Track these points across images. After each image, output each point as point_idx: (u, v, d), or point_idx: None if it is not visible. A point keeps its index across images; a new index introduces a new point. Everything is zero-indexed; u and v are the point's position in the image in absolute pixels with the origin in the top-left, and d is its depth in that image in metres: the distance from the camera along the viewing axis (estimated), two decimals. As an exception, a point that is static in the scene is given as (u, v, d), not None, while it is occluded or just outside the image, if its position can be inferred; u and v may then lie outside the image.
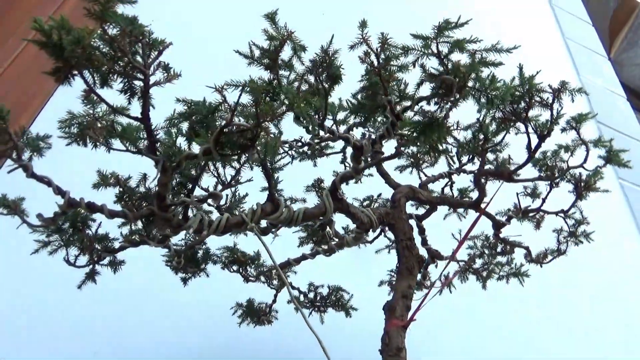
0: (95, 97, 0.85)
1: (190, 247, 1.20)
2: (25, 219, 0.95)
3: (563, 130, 1.24)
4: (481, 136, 1.28)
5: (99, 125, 0.95)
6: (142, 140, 0.92)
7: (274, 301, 1.55)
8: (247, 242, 1.40)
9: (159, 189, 0.90)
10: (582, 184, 1.43)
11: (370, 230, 1.37)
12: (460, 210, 1.65)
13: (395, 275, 1.46)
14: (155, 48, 0.77)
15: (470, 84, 0.93)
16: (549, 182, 1.43)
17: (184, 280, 1.37)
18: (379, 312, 1.20)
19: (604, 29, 5.50)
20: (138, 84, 0.81)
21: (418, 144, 1.32)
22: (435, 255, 1.50)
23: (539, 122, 1.21)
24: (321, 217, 1.18)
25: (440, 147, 1.35)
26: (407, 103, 1.01)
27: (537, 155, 1.30)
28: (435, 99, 0.99)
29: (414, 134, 1.14)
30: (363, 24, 0.92)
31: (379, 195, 1.62)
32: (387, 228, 1.44)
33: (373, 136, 1.27)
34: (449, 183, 1.60)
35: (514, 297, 2.36)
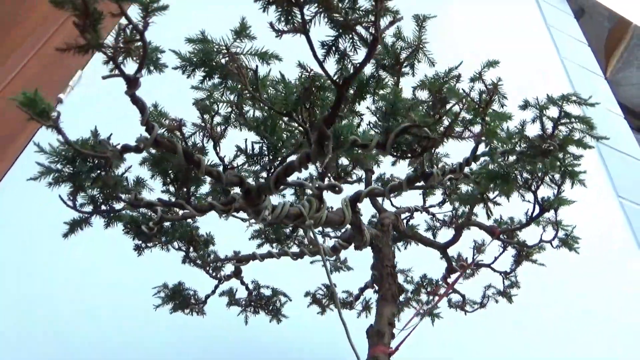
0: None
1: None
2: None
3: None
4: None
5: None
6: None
7: (213, 292, 1.54)
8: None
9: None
10: (524, 253, 1.57)
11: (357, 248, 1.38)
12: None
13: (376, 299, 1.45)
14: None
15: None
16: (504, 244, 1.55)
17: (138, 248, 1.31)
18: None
19: (600, 49, 5.58)
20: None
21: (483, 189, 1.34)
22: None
23: (545, 197, 1.29)
24: (337, 225, 1.22)
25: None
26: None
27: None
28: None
29: (485, 181, 1.21)
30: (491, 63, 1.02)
31: (373, 216, 1.65)
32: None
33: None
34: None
35: (510, 318, 2.33)
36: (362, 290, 1.76)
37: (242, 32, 0.84)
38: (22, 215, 1.96)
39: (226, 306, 1.54)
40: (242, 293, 1.54)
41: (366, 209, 1.51)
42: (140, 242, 1.23)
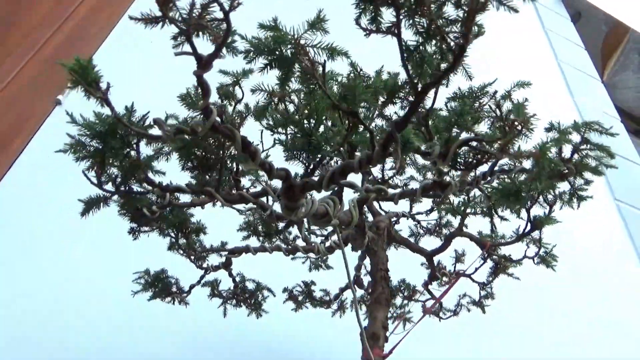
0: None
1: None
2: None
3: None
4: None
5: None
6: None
7: (198, 282, 1.55)
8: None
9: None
10: (501, 266, 1.62)
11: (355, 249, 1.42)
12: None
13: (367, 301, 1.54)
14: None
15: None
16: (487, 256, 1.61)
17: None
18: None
19: (597, 53, 5.61)
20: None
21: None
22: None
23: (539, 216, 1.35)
24: (344, 226, 1.21)
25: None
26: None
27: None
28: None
29: (499, 196, 1.24)
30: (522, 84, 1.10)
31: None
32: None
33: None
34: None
35: (507, 322, 2.33)
36: (342, 290, 1.82)
37: (316, 24, 0.84)
38: (20, 215, 1.95)
39: (208, 297, 1.59)
40: (224, 285, 1.60)
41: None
42: (137, 225, 1.24)
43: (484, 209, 1.42)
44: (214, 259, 1.51)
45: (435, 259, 1.70)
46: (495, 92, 1.07)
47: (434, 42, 0.75)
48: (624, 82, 6.67)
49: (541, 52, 5.00)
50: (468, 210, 1.54)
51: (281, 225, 1.54)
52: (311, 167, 1.10)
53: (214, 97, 1.01)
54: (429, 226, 1.86)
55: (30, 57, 2.56)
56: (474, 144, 0.93)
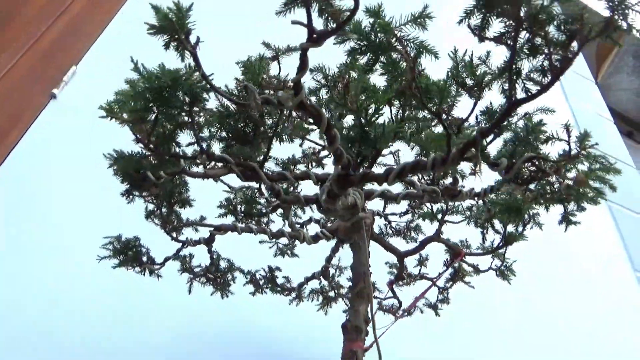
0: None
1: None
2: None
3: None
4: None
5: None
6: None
7: (175, 255, 1.57)
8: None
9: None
10: (459, 274, 1.74)
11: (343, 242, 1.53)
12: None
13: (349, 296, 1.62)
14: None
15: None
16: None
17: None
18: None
19: (591, 54, 5.65)
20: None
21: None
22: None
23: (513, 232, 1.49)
24: (347, 218, 1.30)
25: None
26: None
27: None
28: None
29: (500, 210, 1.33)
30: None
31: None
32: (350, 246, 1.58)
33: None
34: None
35: (497, 324, 2.35)
36: (307, 279, 1.88)
37: (418, 18, 0.86)
38: (15, 207, 1.95)
39: (178, 272, 1.62)
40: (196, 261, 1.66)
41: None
42: (132, 188, 1.25)
43: (478, 220, 1.54)
44: (189, 233, 1.56)
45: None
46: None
47: (535, 59, 0.83)
48: (617, 84, 6.76)
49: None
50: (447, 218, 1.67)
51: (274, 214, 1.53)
52: (360, 159, 1.10)
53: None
54: (397, 227, 1.99)
55: (25, 50, 2.55)
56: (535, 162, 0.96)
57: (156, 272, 1.54)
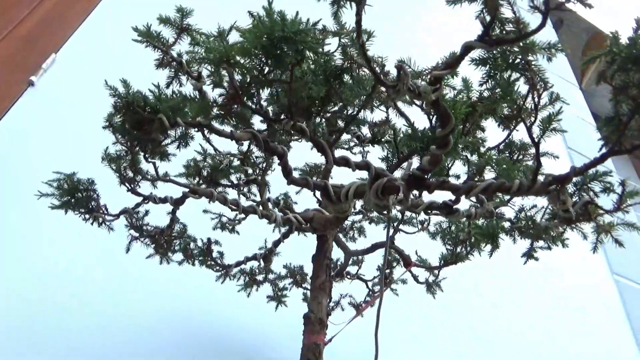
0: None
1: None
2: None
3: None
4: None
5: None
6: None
7: (133, 209, 1.53)
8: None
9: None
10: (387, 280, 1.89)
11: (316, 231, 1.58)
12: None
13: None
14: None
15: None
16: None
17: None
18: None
19: (577, 60, 5.69)
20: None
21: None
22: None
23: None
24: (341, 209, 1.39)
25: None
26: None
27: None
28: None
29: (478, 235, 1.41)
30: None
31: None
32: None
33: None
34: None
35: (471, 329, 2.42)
36: (247, 259, 1.88)
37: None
38: None
39: (126, 227, 1.59)
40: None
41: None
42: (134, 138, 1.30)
43: (446, 236, 1.65)
44: (146, 189, 1.57)
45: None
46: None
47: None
48: (601, 90, 6.85)
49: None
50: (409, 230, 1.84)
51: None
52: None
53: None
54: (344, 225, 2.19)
55: (4, 36, 2.48)
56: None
57: (107, 223, 1.48)
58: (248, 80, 1.08)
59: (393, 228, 1.72)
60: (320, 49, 1.08)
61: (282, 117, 1.22)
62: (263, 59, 0.97)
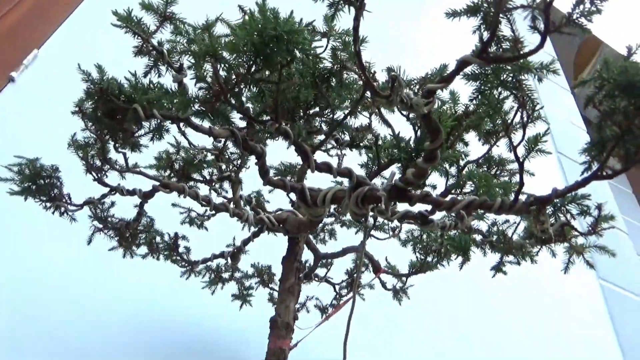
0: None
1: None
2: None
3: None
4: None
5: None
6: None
7: (99, 200, 1.50)
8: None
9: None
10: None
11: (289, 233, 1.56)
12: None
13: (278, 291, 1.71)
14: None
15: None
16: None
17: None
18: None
19: (569, 63, 5.70)
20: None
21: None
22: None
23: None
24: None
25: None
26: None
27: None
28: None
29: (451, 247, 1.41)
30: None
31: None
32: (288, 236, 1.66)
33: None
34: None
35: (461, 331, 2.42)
36: (214, 256, 1.85)
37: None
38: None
39: (89, 218, 1.55)
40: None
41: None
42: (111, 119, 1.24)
43: (417, 245, 1.66)
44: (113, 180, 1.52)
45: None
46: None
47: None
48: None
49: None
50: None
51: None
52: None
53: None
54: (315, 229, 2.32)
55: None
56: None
57: (70, 213, 1.45)
58: (234, 77, 1.06)
59: (367, 235, 1.72)
60: (312, 51, 1.05)
61: (266, 118, 1.20)
62: (252, 56, 0.94)
